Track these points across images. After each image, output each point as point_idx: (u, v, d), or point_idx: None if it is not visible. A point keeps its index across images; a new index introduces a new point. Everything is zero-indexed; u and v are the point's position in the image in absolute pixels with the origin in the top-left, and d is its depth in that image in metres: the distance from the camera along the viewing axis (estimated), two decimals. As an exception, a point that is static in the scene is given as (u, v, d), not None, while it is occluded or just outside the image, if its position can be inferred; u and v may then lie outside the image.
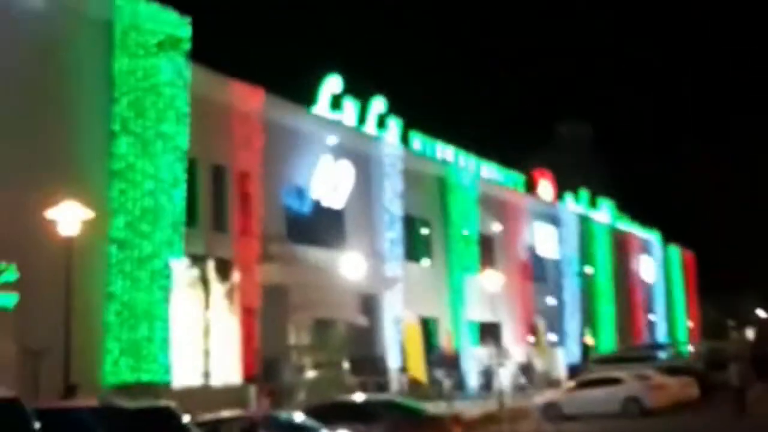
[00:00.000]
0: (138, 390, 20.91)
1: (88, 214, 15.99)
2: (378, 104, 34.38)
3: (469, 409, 24.76)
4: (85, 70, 22.34)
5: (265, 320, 26.62)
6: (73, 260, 17.03)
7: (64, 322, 14.89)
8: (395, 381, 31.33)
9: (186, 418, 11.78)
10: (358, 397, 17.33)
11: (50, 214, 15.71)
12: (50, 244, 17.48)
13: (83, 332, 20.77)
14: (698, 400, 27.37)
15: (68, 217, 15.44)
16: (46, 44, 21.31)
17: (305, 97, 31.31)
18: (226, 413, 13.74)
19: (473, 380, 36.14)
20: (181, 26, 24.01)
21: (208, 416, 13.53)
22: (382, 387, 30.05)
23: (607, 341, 51.23)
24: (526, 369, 40.25)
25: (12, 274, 18.56)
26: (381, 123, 34.65)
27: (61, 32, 21.94)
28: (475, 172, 41.02)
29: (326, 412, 14.33)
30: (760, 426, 20.60)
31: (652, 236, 64.18)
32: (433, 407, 21.55)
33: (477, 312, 37.81)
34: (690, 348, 47.70)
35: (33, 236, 17.85)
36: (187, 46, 24.07)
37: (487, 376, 36.31)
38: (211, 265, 25.24)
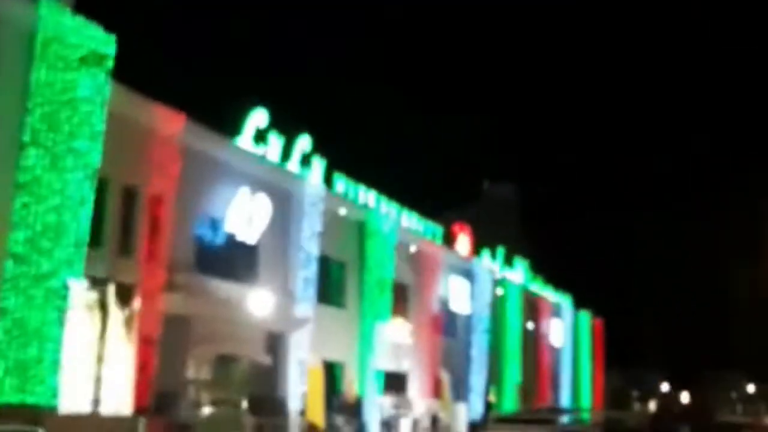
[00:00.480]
0: (21, 412, 19.99)
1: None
2: (303, 142, 34.31)
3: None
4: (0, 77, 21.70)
5: (165, 351, 25.79)
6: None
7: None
8: (294, 424, 30.71)
9: None
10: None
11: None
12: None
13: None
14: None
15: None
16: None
17: (229, 128, 31.06)
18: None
19: (374, 429, 35.73)
20: (106, 43, 23.63)
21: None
22: (280, 429, 29.41)
23: (510, 401, 51.57)
24: (434, 421, 40.18)
25: None
26: (305, 161, 34.54)
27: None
28: (395, 219, 41.20)
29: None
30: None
31: (563, 300, 65.45)
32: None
33: (384, 360, 37.61)
34: (591, 415, 48.47)
35: None
36: (110, 63, 23.68)
37: (389, 426, 36.08)
38: (111, 289, 24.44)
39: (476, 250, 51.69)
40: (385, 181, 41.91)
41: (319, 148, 35.11)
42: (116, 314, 24.62)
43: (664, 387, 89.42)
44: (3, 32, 22.01)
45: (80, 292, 23.02)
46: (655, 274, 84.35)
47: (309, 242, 34.24)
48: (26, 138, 22.05)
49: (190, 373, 28.63)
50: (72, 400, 22.58)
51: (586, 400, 66.36)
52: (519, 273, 56.88)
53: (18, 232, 21.59)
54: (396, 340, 32.73)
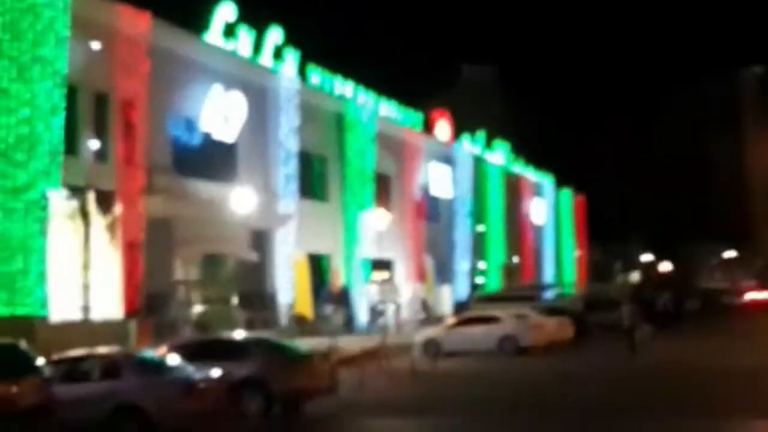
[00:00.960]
0: (12, 324, 20.33)
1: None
2: (275, 35, 33.47)
3: (352, 345, 25.19)
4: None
5: (150, 254, 26.03)
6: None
7: None
8: (283, 316, 31.47)
9: (40, 359, 11.39)
10: (230, 335, 17.34)
11: None
12: None
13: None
14: (573, 340, 28.59)
15: None
16: None
17: (197, 24, 30.20)
18: (80, 351, 13.39)
19: (363, 316, 36.68)
20: (61, -57, 22.65)
21: (64, 355, 13.15)
22: (270, 322, 30.14)
23: (494, 281, 52.84)
24: (425, 304, 41.26)
25: None
26: (277, 55, 33.81)
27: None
28: (373, 109, 40.87)
29: (195, 350, 14.25)
30: (642, 367, 21.72)
31: (545, 179, 66.00)
32: (313, 344, 21.84)
33: (369, 249, 38.18)
34: (574, 289, 49.82)
35: None
36: (66, -36, 22.76)
37: (377, 312, 37.02)
38: (91, 197, 24.37)
39: (457, 134, 51.63)
40: (362, 71, 41.39)
41: (291, 40, 34.38)
42: (98, 221, 24.68)
43: (646, 258, 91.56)
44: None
45: (60, 202, 22.99)
46: (634, 148, 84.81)
47: (287, 138, 34.03)
48: (-11, 49, 21.48)
49: (178, 274, 29.05)
50: (62, 309, 22.93)
51: (569, 276, 68.03)
52: (500, 155, 57.06)
53: (-10, 147, 21.35)
54: (380, 229, 33.12)
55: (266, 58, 33.30)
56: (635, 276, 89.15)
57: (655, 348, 25.80)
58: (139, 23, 26.20)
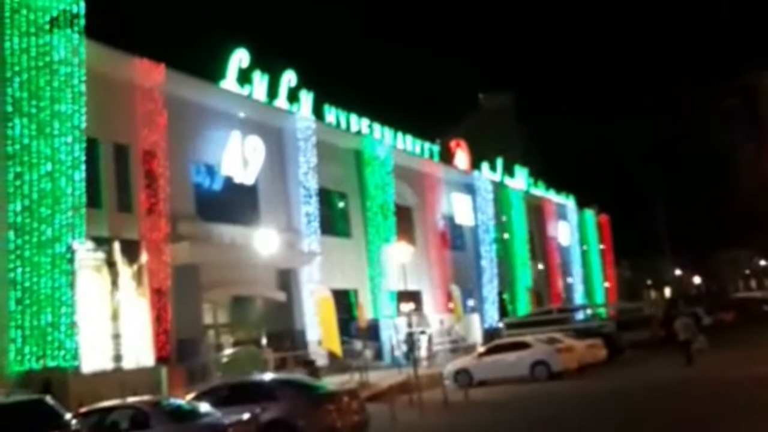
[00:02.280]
0: (44, 377, 20.55)
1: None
2: (289, 77, 34.02)
3: (383, 379, 25.15)
4: (-27, 50, 21.50)
5: (178, 300, 26.30)
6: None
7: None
8: (315, 354, 31.42)
9: (68, 413, 11.45)
10: (258, 377, 17.35)
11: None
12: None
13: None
14: (605, 361, 28.26)
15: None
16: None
17: (212, 72, 30.78)
18: (109, 403, 13.50)
19: (392, 350, 36.52)
20: (74, 2, 23.25)
21: (93, 407, 13.25)
22: (305, 362, 30.10)
23: (523, 305, 52.50)
24: (450, 334, 40.99)
25: None
26: (292, 96, 34.30)
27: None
28: (390, 143, 41.16)
29: (224, 394, 14.33)
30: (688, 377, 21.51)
31: (567, 201, 65.75)
32: (343, 380, 21.84)
33: (395, 282, 38.14)
34: (606, 309, 49.27)
35: None
36: (81, 22, 23.36)
37: (407, 344, 36.81)
38: (116, 247, 24.71)
39: (475, 162, 51.76)
40: (377, 106, 41.79)
41: (305, 81, 34.92)
42: (125, 271, 24.94)
43: (677, 272, 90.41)
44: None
45: (85, 254, 23.31)
46: (654, 162, 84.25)
47: (307, 177, 34.35)
48: (9, 108, 21.99)
49: (208, 318, 29.27)
50: (93, 359, 23.13)
51: (599, 296, 67.40)
52: (520, 180, 57.05)
53: (14, 202, 21.77)
54: (404, 261, 33.12)
55: (281, 101, 33.77)
56: (667, 292, 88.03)
57: (704, 360, 25.54)
58: (155, 75, 26.75)
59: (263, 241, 30.22)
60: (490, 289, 49.22)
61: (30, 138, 22.09)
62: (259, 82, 32.53)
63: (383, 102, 47.63)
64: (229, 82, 31.22)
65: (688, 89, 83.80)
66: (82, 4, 23.32)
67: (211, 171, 30.29)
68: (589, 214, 70.38)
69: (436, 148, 46.61)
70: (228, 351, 28.66)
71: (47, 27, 22.88)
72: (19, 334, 21.35)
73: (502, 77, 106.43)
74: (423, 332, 37.58)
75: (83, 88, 23.24)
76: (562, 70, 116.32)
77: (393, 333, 36.10)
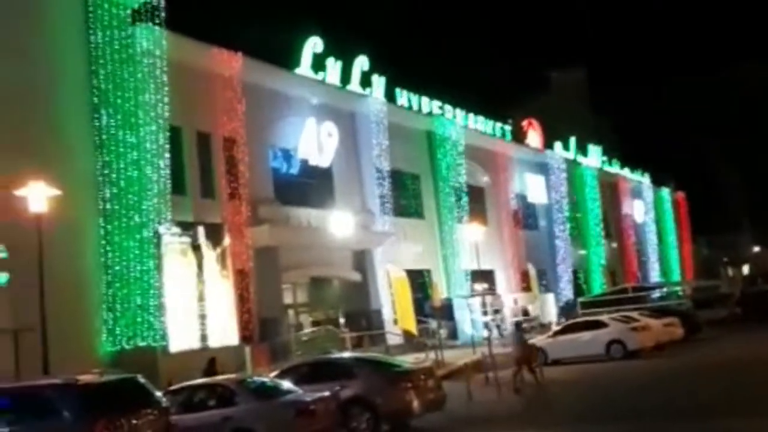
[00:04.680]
0: (136, 357, 21.64)
1: (55, 191, 16.35)
2: (361, 62, 34.50)
3: (458, 357, 25.50)
4: (63, 47, 22.59)
5: (259, 281, 27.21)
6: (57, 236, 17.47)
7: (40, 300, 15.32)
8: (391, 334, 32.02)
9: (158, 391, 12.07)
10: (337, 355, 17.92)
11: (19, 192, 16.10)
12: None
13: (82, 303, 21.55)
14: (681, 340, 27.96)
15: (36, 196, 15.82)
16: (23, 22, 21.47)
17: (287, 59, 31.44)
18: (197, 381, 14.21)
19: (467, 328, 36.84)
20: (154, -5, 24.17)
21: (181, 385, 13.95)
22: (377, 340, 30.74)
23: (598, 283, 52.01)
24: (525, 313, 41.03)
25: (1, 253, 19.18)
26: (365, 81, 34.80)
27: (38, 8, 22.09)
28: (462, 124, 41.28)
29: (304, 372, 14.90)
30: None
31: (642, 178, 64.55)
32: (419, 359, 22.26)
33: (469, 262, 38.38)
34: (682, 287, 48.39)
35: (21, 216, 18.03)
36: (162, 14, 24.25)
37: (482, 324, 37.08)
38: (201, 231, 25.70)
39: (548, 140, 51.37)
40: (448, 87, 41.85)
41: (377, 65, 35.31)
42: (209, 254, 25.96)
43: (755, 249, 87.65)
44: (58, 1, 22.74)
45: (171, 238, 24.35)
46: (730, 137, 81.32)
47: (379, 159, 34.84)
48: (95, 100, 23.07)
49: (287, 298, 30.16)
50: (181, 339, 24.20)
51: (675, 274, 66.08)
52: (594, 158, 56.34)
53: (104, 190, 22.88)
54: (477, 241, 33.34)
55: (354, 85, 34.29)
56: (745, 269, 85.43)
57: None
58: (233, 64, 27.57)
59: (338, 223, 30.89)
60: (564, 268, 48.97)
61: (116, 128, 23.13)
62: (333, 67, 33.10)
63: (454, 83, 47.45)
64: (304, 68, 31.88)
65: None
66: (163, -3, 24.22)
67: (287, 155, 31.06)
68: (665, 191, 68.91)
69: (507, 128, 46.45)
70: (307, 330, 29.51)
71: (129, 20, 23.84)
72: (111, 316, 22.52)
73: (573, 53, 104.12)
74: (497, 311, 37.81)
75: (165, 78, 24.18)
76: (638, 43, 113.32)
77: (467, 312, 36.39)
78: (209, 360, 20.53)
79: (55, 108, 21.96)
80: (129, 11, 23.86)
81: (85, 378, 11.15)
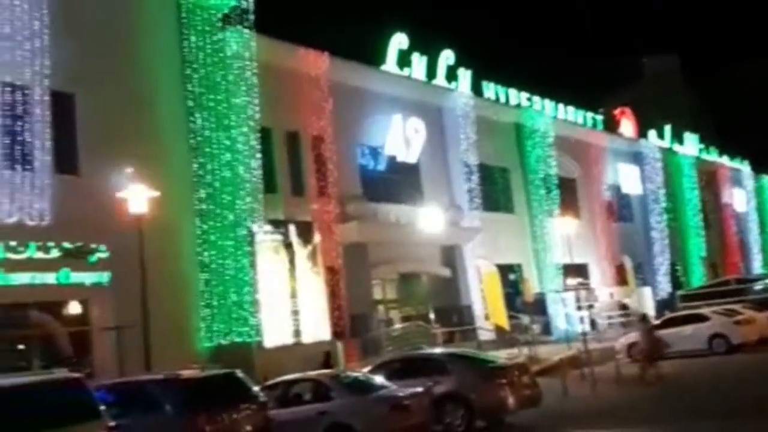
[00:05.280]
0: (232, 352, 22.17)
1: (154, 193, 16.90)
2: (446, 56, 34.37)
3: (552, 353, 25.10)
4: (158, 53, 23.28)
5: (349, 278, 27.49)
6: (156, 236, 18.05)
7: (141, 298, 15.85)
8: (482, 329, 31.78)
9: (256, 386, 12.30)
10: (429, 351, 17.85)
11: (120, 194, 16.73)
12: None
13: (181, 301, 22.22)
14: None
15: (137, 197, 16.39)
16: (120, 29, 22.25)
17: (373, 56, 31.61)
18: (292, 376, 14.39)
19: (561, 323, 36.23)
20: (243, -1, 24.67)
21: (277, 380, 14.16)
22: (468, 335, 30.56)
23: (698, 276, 50.24)
24: (622, 308, 40.06)
25: (103, 253, 19.98)
26: (451, 75, 34.65)
27: (135, 17, 22.87)
28: (551, 115, 40.57)
29: (397, 367, 14.92)
30: None
31: (742, 166, 61.90)
32: (512, 355, 21.97)
33: (561, 255, 37.71)
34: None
35: (123, 216, 18.64)
36: (250, 17, 24.73)
37: (576, 319, 36.38)
38: (292, 229, 26.10)
39: (642, 130, 49.90)
40: (536, 78, 41.15)
41: (462, 59, 35.06)
42: (300, 251, 26.32)
43: None
44: (153, 8, 23.47)
45: (264, 236, 24.84)
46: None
47: (467, 153, 34.61)
48: (190, 103, 23.71)
49: (377, 294, 30.35)
50: (275, 335, 24.64)
51: (780, 265, 63.10)
52: (690, 147, 54.39)
53: (199, 191, 23.52)
54: (569, 234, 32.70)
55: (440, 80, 34.17)
56: None
57: None
58: (320, 63, 27.92)
59: (427, 219, 30.85)
60: (662, 261, 47.49)
61: (210, 130, 23.73)
62: (418, 62, 33.08)
63: (542, 73, 46.63)
64: (390, 65, 31.97)
65: None
66: (252, 0, 24.68)
67: (374, 152, 31.23)
68: (766, 179, 65.89)
69: (599, 118, 45.36)
70: (397, 326, 29.61)
71: (220, 24, 24.42)
72: (208, 313, 23.12)
73: (665, 38, 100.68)
74: (591, 306, 37.00)
75: (255, 80, 24.66)
76: (731, 26, 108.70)
77: (560, 307, 35.76)
78: (325, 353, 20.86)
79: (152, 112, 22.68)
80: (220, 16, 24.44)
81: (186, 373, 11.48)
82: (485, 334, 30.74)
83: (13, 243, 18.59)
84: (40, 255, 19.05)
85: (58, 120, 20.25)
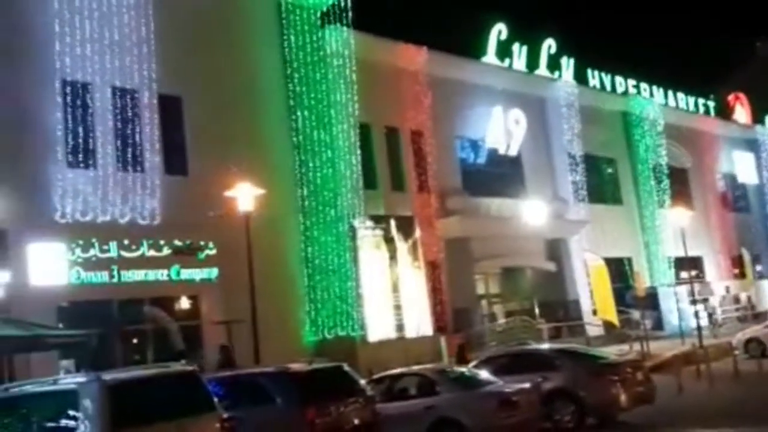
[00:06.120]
0: (337, 346, 22.36)
1: (260, 190, 17.18)
2: (548, 45, 33.60)
3: (665, 349, 24.16)
4: (260, 54, 23.75)
5: (451, 272, 27.30)
6: (262, 232, 18.30)
7: (249, 293, 16.11)
8: (590, 324, 30.95)
9: (361, 380, 12.26)
10: (536, 346, 17.42)
11: (228, 193, 17.09)
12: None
13: (286, 296, 22.59)
14: None
15: (244, 195, 16.71)
16: (222, 31, 22.75)
17: (472, 49, 31.21)
18: (398, 370, 14.29)
19: (674, 319, 34.86)
20: (341, -3, 24.81)
21: (383, 374, 14.09)
22: (576, 331, 29.81)
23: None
24: (737, 301, 38.31)
25: (211, 250, 20.51)
26: (553, 65, 33.85)
27: (237, 19, 23.34)
28: (660, 102, 39.10)
29: (504, 362, 14.58)
30: None
31: None
32: (622, 351, 21.25)
33: (673, 248, 36.30)
34: None
35: (230, 214, 18.93)
36: (349, 15, 24.85)
37: (690, 313, 34.94)
38: (392, 224, 26.11)
39: (758, 116, 47.41)
40: (644, 64, 39.78)
41: (565, 47, 34.21)
42: (401, 246, 26.32)
43: None
44: (254, 10, 23.91)
45: (365, 231, 24.95)
46: None
47: (571, 144, 33.77)
48: (291, 102, 24.05)
49: (479, 289, 29.99)
50: (378, 329, 24.71)
51: None
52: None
53: (302, 188, 23.84)
54: (681, 226, 31.35)
55: (542, 69, 33.45)
56: None
57: None
58: (418, 58, 27.79)
59: (531, 212, 30.26)
60: (783, 252, 45.07)
61: (311, 128, 24.03)
62: (519, 53, 32.47)
63: (650, 59, 45.01)
64: (489, 56, 31.51)
65: None
66: (350, -2, 24.82)
67: (475, 145, 30.86)
68: None
69: (711, 104, 43.41)
70: (501, 321, 29.19)
71: (319, 23, 24.65)
72: (313, 307, 23.44)
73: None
74: (706, 300, 35.47)
75: (354, 77, 24.77)
76: None
77: (673, 301, 34.40)
78: (459, 346, 20.78)
79: (255, 112, 23.12)
80: (319, 14, 24.67)
81: (295, 366, 11.57)
82: (593, 330, 29.92)
83: (126, 242, 19.30)
84: (152, 253, 19.74)
85: (166, 122, 20.94)
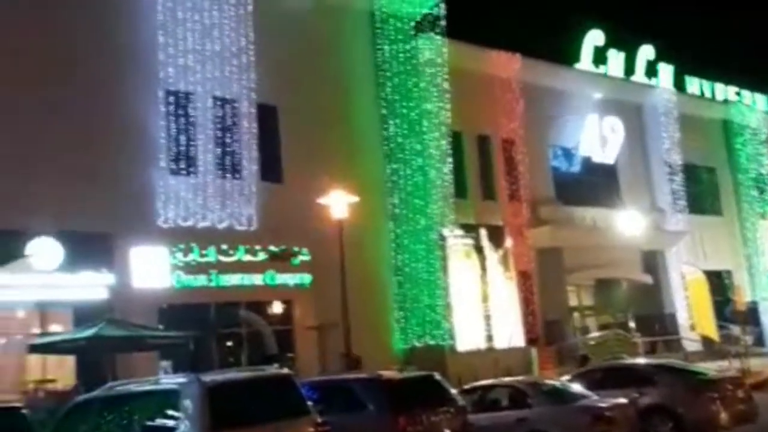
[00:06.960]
0: (426, 354, 22.35)
1: (353, 198, 17.38)
2: (646, 51, 32.79)
3: (766, 366, 23.14)
4: (354, 63, 24.09)
5: (542, 283, 26.92)
6: (354, 239, 18.54)
7: (341, 299, 16.29)
8: (687, 339, 29.97)
9: (452, 390, 12.22)
10: (632, 360, 16.96)
11: (322, 200, 17.36)
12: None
13: (376, 303, 22.77)
14: None
15: (337, 203, 16.95)
16: (317, 42, 23.18)
17: (566, 55, 30.74)
18: (489, 381, 14.15)
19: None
20: (435, 5, 24.85)
21: (474, 384, 13.98)
22: (672, 345, 28.92)
23: None
24: None
25: (305, 256, 20.86)
26: (650, 71, 33.01)
27: (332, 30, 23.73)
28: (763, 109, 37.58)
29: (597, 376, 14.25)
30: None
31: None
32: (722, 367, 20.43)
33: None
34: None
35: (323, 221, 18.81)
36: (442, 23, 24.88)
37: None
38: (483, 233, 25.94)
39: None
40: (746, 70, 38.33)
41: (664, 54, 33.32)
42: (491, 255, 26.11)
43: None
44: (349, 20, 24.24)
45: (455, 240, 24.86)
46: None
47: (669, 152, 32.83)
48: (384, 111, 24.26)
49: (572, 300, 29.41)
50: (467, 339, 24.57)
51: None
52: None
53: (392, 196, 23.99)
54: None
55: (639, 76, 32.67)
56: None
57: None
58: (511, 65, 27.59)
59: (627, 222, 29.54)
60: None
61: (402, 137, 24.17)
62: (615, 59, 31.80)
63: (752, 65, 43.32)
64: (584, 63, 30.98)
65: None
66: (443, 6, 24.83)
67: (568, 154, 30.36)
68: None
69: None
70: (594, 334, 28.53)
71: (412, 32, 24.78)
72: (402, 315, 23.51)
73: None
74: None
75: (446, 85, 24.78)
76: None
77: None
78: (581, 356, 20.60)
79: (348, 121, 23.43)
80: (412, 24, 24.80)
81: (387, 374, 11.64)
82: (691, 345, 28.96)
83: (224, 247, 19.84)
84: (248, 258, 20.23)
85: (263, 131, 21.42)
